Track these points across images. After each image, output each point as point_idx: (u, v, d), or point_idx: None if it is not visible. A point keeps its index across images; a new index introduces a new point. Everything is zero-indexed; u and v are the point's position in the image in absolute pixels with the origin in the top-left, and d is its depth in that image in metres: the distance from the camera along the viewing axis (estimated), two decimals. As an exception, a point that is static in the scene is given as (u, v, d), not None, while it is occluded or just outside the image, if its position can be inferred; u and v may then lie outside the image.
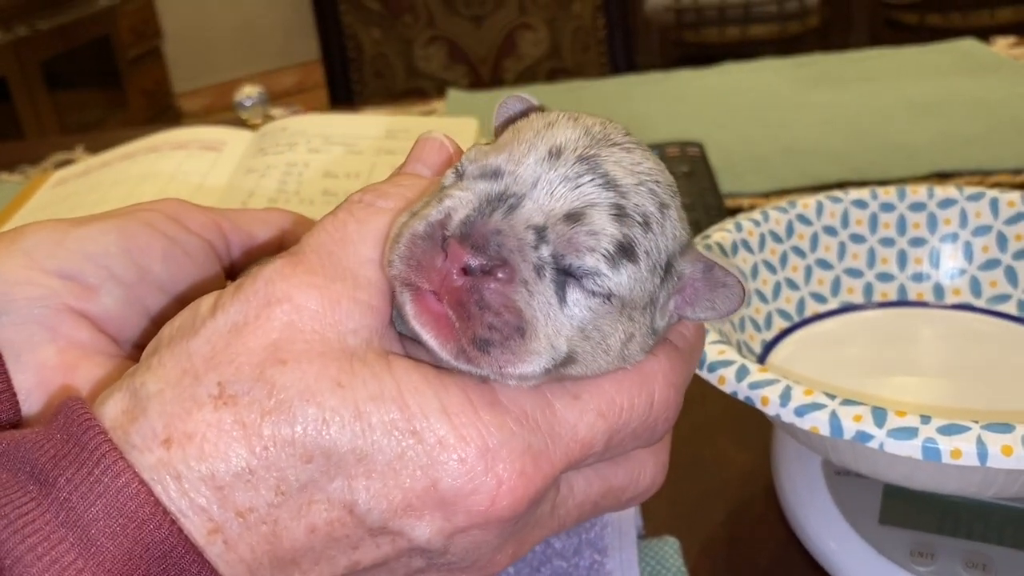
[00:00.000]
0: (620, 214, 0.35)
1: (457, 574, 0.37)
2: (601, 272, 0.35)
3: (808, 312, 0.68)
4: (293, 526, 0.34)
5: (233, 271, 0.49)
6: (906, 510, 0.55)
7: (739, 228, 0.66)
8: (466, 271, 0.33)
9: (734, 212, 0.98)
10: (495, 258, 0.33)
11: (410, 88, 2.09)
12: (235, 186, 0.92)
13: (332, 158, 0.93)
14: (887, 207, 0.69)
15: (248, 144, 0.98)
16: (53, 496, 0.32)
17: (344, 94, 2.11)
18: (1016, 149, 1.07)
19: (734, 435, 0.68)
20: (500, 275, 0.33)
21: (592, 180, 0.35)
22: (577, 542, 0.52)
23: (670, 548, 0.55)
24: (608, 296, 0.35)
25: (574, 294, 0.35)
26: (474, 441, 0.34)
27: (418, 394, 0.34)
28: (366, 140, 0.95)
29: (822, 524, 0.56)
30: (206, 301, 0.36)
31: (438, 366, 0.36)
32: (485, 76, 2.09)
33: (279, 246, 0.49)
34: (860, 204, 0.69)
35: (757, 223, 0.66)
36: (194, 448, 0.33)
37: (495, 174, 0.36)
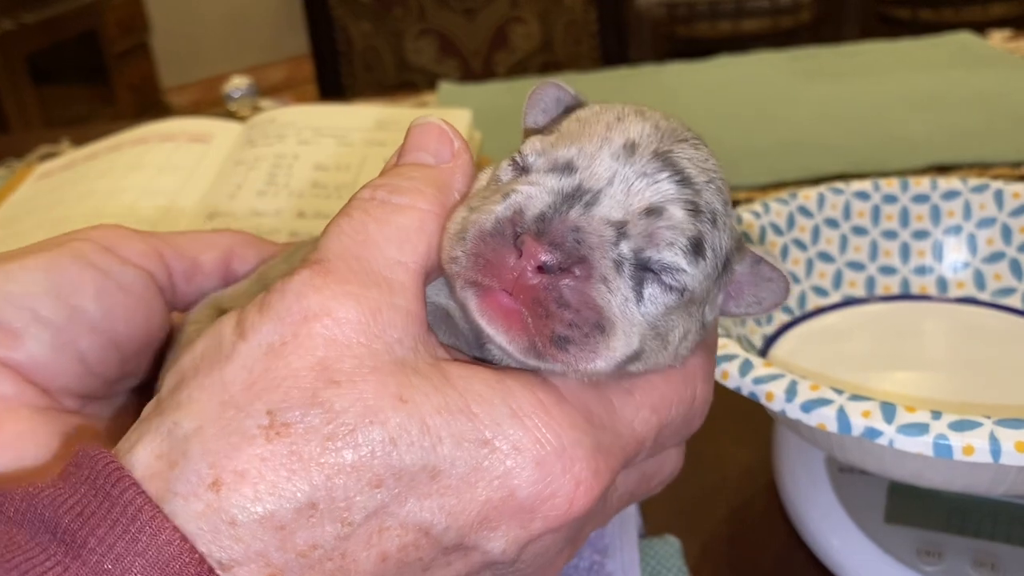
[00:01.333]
0: (695, 210, 0.35)
1: None
2: (680, 267, 0.34)
3: (809, 306, 0.66)
4: (363, 557, 0.31)
5: (178, 301, 0.45)
6: (912, 508, 0.54)
7: (739, 221, 0.64)
8: (542, 269, 0.32)
9: (732, 205, 0.97)
10: (574, 255, 0.32)
11: (401, 81, 2.07)
12: (224, 178, 0.90)
13: (322, 150, 0.91)
14: (890, 199, 0.68)
15: (237, 136, 0.96)
16: (83, 560, 0.28)
17: (334, 88, 2.09)
18: (1015, 142, 1.06)
19: (734, 432, 0.66)
20: (578, 272, 0.33)
21: (669, 176, 0.35)
22: (576, 542, 0.50)
23: (671, 548, 0.53)
24: (682, 291, 0.35)
25: (651, 289, 0.34)
26: (550, 443, 0.32)
27: (484, 401, 0.32)
28: (357, 132, 0.93)
29: (826, 522, 0.55)
30: (227, 323, 0.33)
31: (488, 366, 0.34)
32: (476, 69, 2.08)
33: (227, 270, 0.46)
34: (862, 196, 0.68)
35: (757, 215, 0.65)
36: (248, 488, 0.30)
37: (567, 168, 0.35)
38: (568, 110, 0.40)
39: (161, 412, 0.32)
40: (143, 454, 0.31)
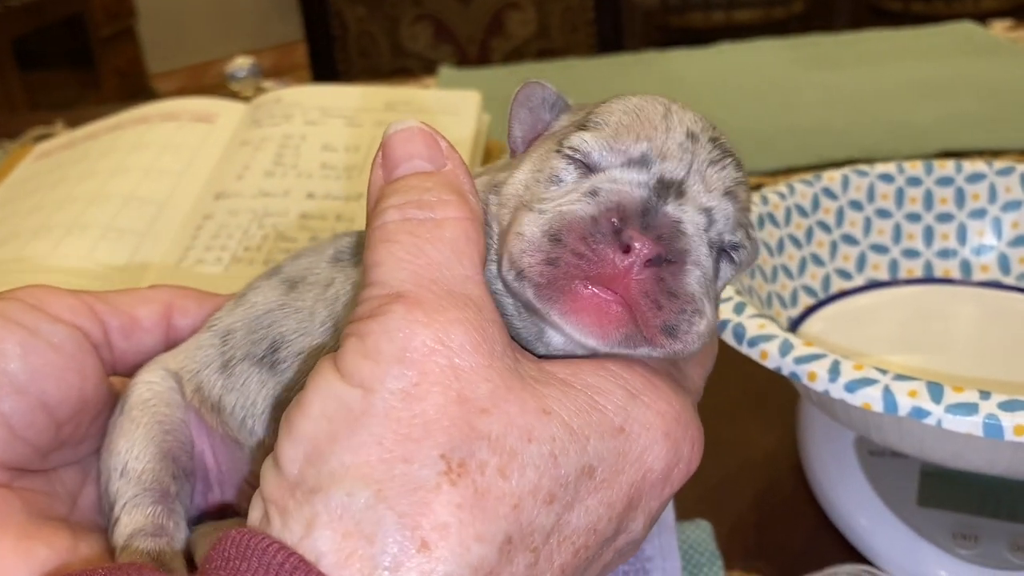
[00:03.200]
0: (748, 190, 0.38)
1: (629, 555, 0.36)
2: (744, 244, 0.36)
3: (833, 289, 0.66)
4: None
5: (118, 361, 0.42)
6: (945, 491, 0.53)
7: (765, 201, 0.63)
8: (650, 263, 0.33)
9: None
10: (679, 246, 0.33)
11: (396, 67, 2.05)
12: (230, 159, 0.88)
13: (330, 131, 0.90)
14: (914, 181, 0.67)
15: (241, 116, 0.94)
16: None
17: (329, 74, 2.07)
18: (1022, 129, 1.06)
19: (756, 416, 0.66)
20: (679, 261, 0.33)
21: (731, 161, 0.36)
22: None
23: (703, 531, 0.53)
24: (739, 265, 0.37)
25: (723, 267, 0.36)
26: (668, 413, 0.34)
27: (603, 392, 0.33)
28: (365, 112, 0.92)
29: (858, 506, 0.54)
30: (334, 386, 0.30)
31: (573, 358, 0.35)
32: (472, 55, 2.06)
33: (167, 325, 0.44)
34: (886, 178, 0.67)
35: (783, 196, 0.64)
36: (454, 539, 0.28)
37: (643, 162, 0.35)
38: (553, 107, 0.40)
39: (314, 490, 0.29)
40: (325, 538, 0.28)
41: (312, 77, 2.12)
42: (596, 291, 0.33)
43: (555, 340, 0.35)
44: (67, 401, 0.39)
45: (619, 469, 0.33)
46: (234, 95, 1.06)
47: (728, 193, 0.36)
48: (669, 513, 0.52)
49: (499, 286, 0.35)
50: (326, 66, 2.08)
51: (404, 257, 0.33)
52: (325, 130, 0.91)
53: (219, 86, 1.24)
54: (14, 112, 3.20)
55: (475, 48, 2.07)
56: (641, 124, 0.36)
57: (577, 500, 0.31)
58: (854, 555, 0.54)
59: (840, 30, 1.49)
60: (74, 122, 1.33)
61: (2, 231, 0.86)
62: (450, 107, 0.95)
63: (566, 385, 0.32)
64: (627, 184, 0.34)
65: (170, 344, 0.44)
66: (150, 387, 0.41)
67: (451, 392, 0.30)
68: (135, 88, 3.98)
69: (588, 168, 0.36)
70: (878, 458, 0.56)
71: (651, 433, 0.33)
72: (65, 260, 0.78)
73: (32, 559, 0.35)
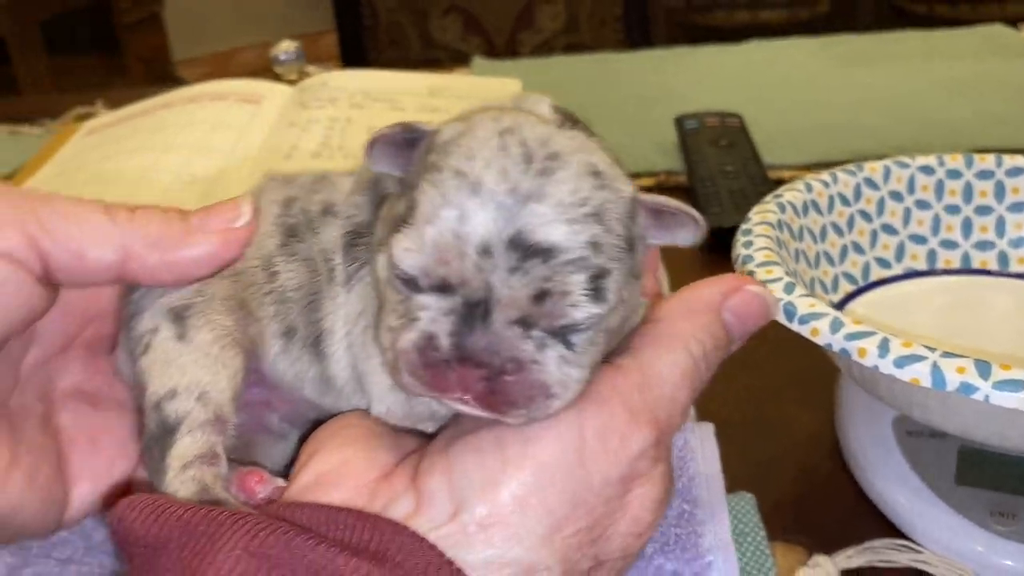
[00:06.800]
0: (579, 258, 0.36)
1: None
2: (593, 312, 0.37)
3: (873, 276, 0.67)
4: None
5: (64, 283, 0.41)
6: (983, 471, 0.55)
7: (809, 189, 0.65)
8: (481, 380, 0.36)
9: (777, 183, 0.97)
10: (502, 361, 0.36)
11: (425, 58, 2.07)
12: (276, 139, 0.90)
13: (375, 114, 0.92)
14: (954, 174, 0.69)
15: (287, 98, 0.96)
16: None
17: (358, 63, 2.09)
18: (1054, 131, 1.07)
19: (796, 398, 0.68)
20: (511, 367, 0.36)
21: (535, 259, 0.35)
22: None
23: (747, 503, 0.54)
24: (604, 314, 0.37)
25: (577, 337, 0.37)
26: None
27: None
28: (409, 97, 0.94)
29: (896, 484, 0.56)
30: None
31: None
32: (500, 48, 2.08)
33: (120, 274, 0.41)
34: (927, 170, 0.69)
35: (827, 184, 0.66)
36: None
37: (445, 287, 0.36)
38: (412, 143, 0.40)
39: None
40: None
41: (341, 67, 2.14)
42: (456, 396, 0.36)
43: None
44: (2, 331, 0.39)
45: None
46: (277, 78, 1.08)
47: (541, 294, 0.36)
48: (720, 479, 0.53)
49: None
50: (356, 56, 2.10)
51: None
52: (370, 114, 0.93)
53: (242, 74, 1.25)
54: (41, 95, 3.23)
55: (503, 40, 2.08)
56: (441, 233, 0.36)
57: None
58: (892, 531, 0.56)
59: (864, 31, 1.50)
60: (116, 102, 1.36)
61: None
62: (490, 94, 0.97)
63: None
64: (436, 312, 0.36)
65: (122, 293, 0.45)
66: (223, 326, 0.43)
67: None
68: (159, 74, 4.01)
69: (412, 284, 0.37)
70: (916, 438, 0.57)
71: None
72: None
73: None
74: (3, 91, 3.11)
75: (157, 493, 0.38)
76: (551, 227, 0.36)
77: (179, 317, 0.42)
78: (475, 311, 0.36)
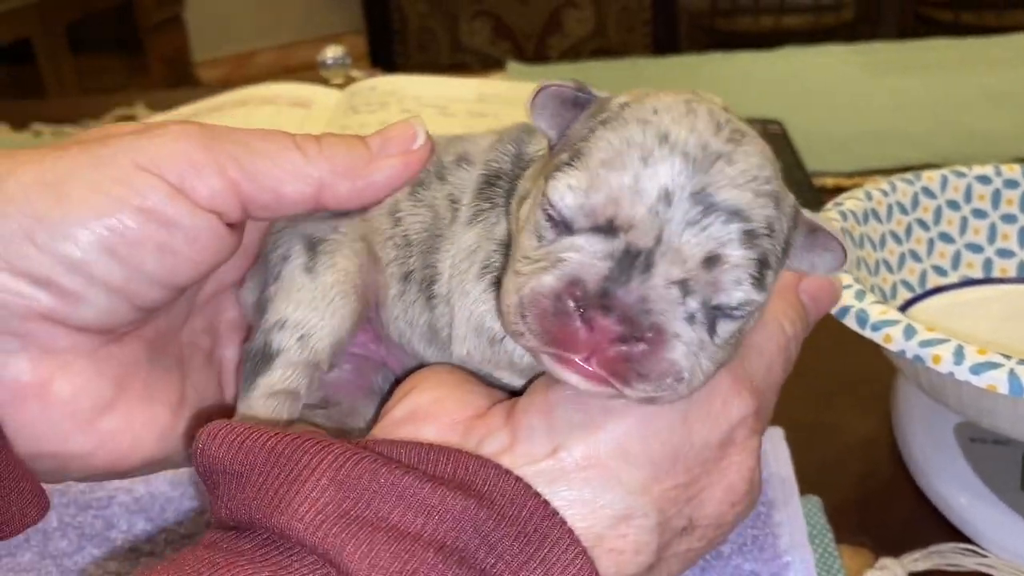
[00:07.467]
0: (751, 237, 0.34)
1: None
2: (750, 299, 0.34)
3: (929, 284, 0.68)
4: None
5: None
6: (1048, 477, 0.56)
7: (869, 197, 0.66)
8: (615, 340, 0.33)
9: (821, 190, 0.98)
10: (646, 324, 0.33)
11: (454, 62, 2.08)
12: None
13: (425, 120, 0.93)
14: (1011, 184, 0.69)
15: (336, 102, 0.97)
16: None
17: (386, 66, 2.11)
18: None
19: (851, 401, 0.68)
20: (652, 335, 0.33)
21: (716, 216, 0.33)
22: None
23: (814, 506, 0.55)
24: (756, 309, 0.36)
25: (724, 325, 0.35)
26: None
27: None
28: (458, 103, 0.95)
29: (960, 489, 0.57)
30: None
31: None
32: (529, 52, 2.09)
33: (315, 206, 0.41)
34: (983, 180, 0.70)
35: (885, 193, 0.67)
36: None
37: (609, 229, 0.34)
38: (577, 103, 0.39)
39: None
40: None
41: (371, 69, 2.16)
42: (574, 359, 0.33)
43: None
44: (193, 280, 0.41)
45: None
46: (324, 82, 1.09)
47: (711, 258, 0.33)
48: (793, 482, 0.54)
49: None
50: (384, 59, 2.11)
51: None
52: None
53: (262, 76, 1.26)
54: (66, 96, 3.26)
55: (532, 45, 2.10)
56: (610, 175, 0.34)
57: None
58: (953, 535, 0.56)
59: (889, 37, 1.50)
60: (155, 105, 1.37)
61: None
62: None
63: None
64: (591, 255, 0.33)
65: None
66: (347, 272, 0.43)
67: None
68: (181, 75, 4.04)
69: (563, 226, 0.35)
70: (979, 444, 0.58)
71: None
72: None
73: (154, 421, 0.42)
74: (29, 92, 3.14)
75: (235, 421, 0.37)
76: (740, 191, 0.34)
77: (312, 248, 0.43)
78: (636, 260, 0.33)
